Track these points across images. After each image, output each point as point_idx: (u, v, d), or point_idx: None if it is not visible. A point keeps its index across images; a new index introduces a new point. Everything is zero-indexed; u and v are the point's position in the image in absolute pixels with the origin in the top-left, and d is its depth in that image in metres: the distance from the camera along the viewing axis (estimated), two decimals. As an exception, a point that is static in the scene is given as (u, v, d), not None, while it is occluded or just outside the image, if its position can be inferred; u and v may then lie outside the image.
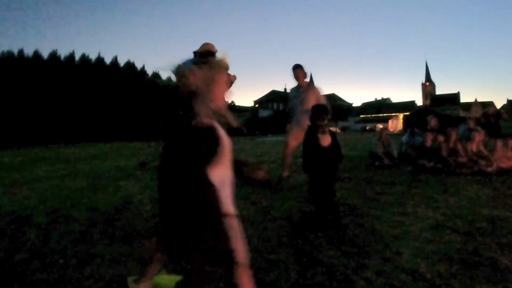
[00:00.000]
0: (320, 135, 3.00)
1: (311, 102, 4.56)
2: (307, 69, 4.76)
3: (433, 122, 6.47)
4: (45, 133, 16.95)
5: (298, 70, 4.70)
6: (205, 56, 2.87)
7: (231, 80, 3.50)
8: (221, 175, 1.38)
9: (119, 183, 4.84)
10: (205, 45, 3.20)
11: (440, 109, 60.87)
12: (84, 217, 3.11)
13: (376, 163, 6.29)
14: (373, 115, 72.66)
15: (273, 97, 73.35)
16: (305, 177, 4.90)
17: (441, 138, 6.03)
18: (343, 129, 52.49)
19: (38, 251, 2.29)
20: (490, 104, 11.39)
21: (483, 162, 5.55)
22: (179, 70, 1.47)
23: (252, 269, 1.93)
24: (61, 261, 2.10)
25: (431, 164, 5.78)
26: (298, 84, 4.79)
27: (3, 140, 14.88)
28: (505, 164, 5.65)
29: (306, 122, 4.52)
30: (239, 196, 3.76)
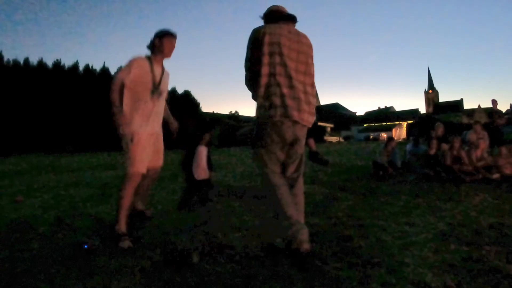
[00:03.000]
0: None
1: None
2: None
3: (440, 130, 6.43)
4: (49, 141, 17.06)
5: None
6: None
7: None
8: None
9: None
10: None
11: (443, 116, 60.75)
12: (87, 227, 3.12)
13: (380, 173, 6.27)
14: (376, 124, 72.58)
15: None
16: (312, 188, 4.90)
17: (445, 146, 6.01)
18: (346, 138, 52.22)
19: (41, 260, 2.29)
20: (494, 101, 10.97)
21: (487, 170, 5.52)
22: None
23: (258, 281, 1.92)
24: (64, 271, 2.09)
25: (435, 172, 5.76)
26: None
27: (7, 147, 14.99)
28: (509, 171, 5.61)
29: None
30: (243, 208, 3.77)
